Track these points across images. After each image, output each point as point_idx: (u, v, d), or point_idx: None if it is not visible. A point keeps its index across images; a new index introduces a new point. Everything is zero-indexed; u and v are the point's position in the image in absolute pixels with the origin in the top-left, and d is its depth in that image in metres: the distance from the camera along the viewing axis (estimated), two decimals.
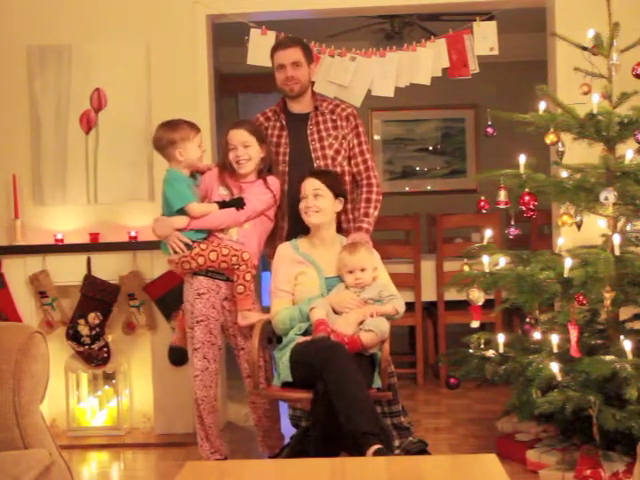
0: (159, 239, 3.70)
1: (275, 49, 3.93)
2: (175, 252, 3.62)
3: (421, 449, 3.85)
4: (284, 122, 3.94)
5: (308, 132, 3.90)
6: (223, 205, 3.66)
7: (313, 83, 4.08)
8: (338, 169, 3.88)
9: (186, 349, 3.77)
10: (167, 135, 3.65)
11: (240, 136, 3.69)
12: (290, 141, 3.91)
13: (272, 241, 3.86)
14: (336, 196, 3.64)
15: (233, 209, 3.64)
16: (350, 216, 3.92)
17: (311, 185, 3.62)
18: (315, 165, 3.87)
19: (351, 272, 3.55)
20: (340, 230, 3.82)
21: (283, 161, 3.89)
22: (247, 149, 3.68)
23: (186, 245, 3.61)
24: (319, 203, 3.60)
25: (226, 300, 3.71)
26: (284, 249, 3.69)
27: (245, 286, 3.62)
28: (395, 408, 3.92)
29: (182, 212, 3.63)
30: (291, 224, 3.84)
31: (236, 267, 3.60)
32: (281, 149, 3.91)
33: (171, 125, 3.68)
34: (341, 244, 3.69)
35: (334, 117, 3.93)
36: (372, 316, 3.43)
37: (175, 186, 3.62)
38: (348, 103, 4.12)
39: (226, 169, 3.74)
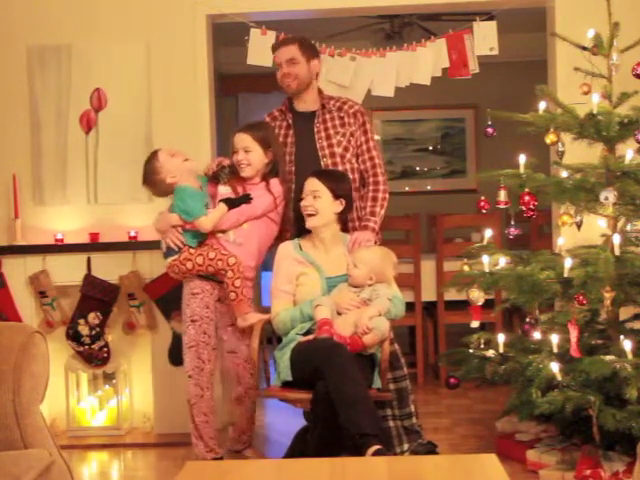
0: (158, 233, 3.71)
1: (273, 50, 3.95)
2: (169, 248, 3.63)
3: (430, 450, 3.80)
4: (290, 121, 3.90)
5: (315, 130, 3.86)
6: (231, 202, 3.64)
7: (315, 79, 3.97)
8: (347, 166, 3.83)
9: None
10: (153, 185, 3.70)
11: (243, 141, 3.69)
12: (296, 140, 3.87)
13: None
14: (336, 197, 3.60)
15: (243, 205, 3.64)
16: (355, 214, 3.86)
17: (310, 185, 3.60)
18: (322, 164, 3.83)
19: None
20: (346, 230, 3.77)
21: (290, 161, 3.85)
22: (248, 154, 3.67)
23: (178, 248, 3.61)
24: (316, 204, 3.57)
25: (219, 301, 3.71)
26: (285, 248, 3.66)
27: (236, 292, 3.59)
28: (405, 410, 3.86)
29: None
30: (298, 225, 3.77)
31: (223, 273, 3.59)
32: (287, 149, 3.87)
33: (146, 178, 3.70)
34: (344, 243, 3.68)
35: (341, 114, 3.88)
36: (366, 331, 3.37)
37: (186, 201, 3.61)
38: (355, 101, 4.03)
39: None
